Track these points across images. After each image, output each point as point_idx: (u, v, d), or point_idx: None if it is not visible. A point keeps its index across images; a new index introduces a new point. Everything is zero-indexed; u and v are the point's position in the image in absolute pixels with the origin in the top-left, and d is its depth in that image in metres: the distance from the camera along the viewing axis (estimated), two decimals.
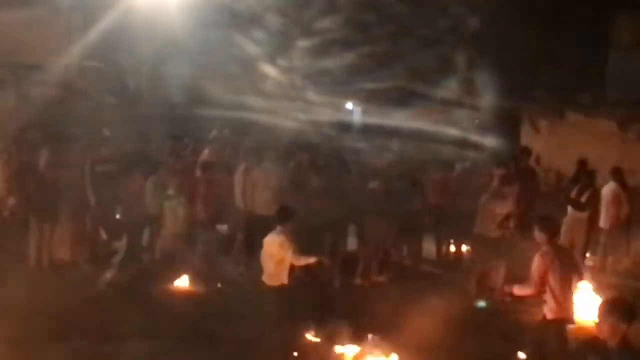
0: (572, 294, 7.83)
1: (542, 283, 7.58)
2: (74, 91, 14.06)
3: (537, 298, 7.79)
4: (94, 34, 13.26)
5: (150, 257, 11.89)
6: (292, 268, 8.44)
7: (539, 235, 7.81)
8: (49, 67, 13.43)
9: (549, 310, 7.63)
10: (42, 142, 12.01)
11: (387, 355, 8.28)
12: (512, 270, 10.91)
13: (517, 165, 12.77)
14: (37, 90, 13.81)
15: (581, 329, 9.26)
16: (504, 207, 10.76)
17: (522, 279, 10.78)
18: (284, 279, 8.36)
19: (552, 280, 7.58)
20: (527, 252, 11.16)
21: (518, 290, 8.01)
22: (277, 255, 8.31)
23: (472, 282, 11.06)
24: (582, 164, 13.86)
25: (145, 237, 12.08)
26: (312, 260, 8.55)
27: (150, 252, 11.96)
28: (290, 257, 8.27)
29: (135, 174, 11.79)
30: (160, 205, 11.52)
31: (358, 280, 11.69)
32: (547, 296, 7.61)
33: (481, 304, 10.49)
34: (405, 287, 11.02)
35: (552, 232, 7.85)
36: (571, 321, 7.88)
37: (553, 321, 7.67)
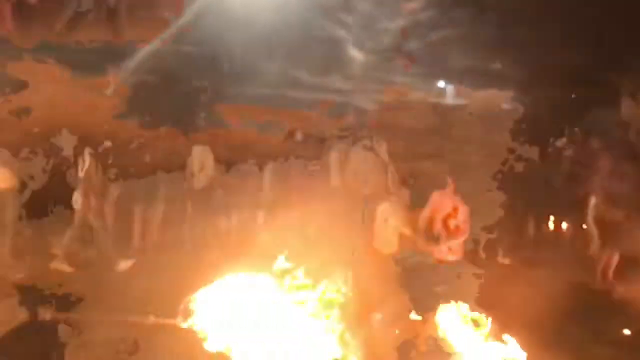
0: None
1: None
2: (168, 76, 14.22)
3: None
4: (185, 18, 13.35)
5: None
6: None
7: None
8: (142, 52, 13.59)
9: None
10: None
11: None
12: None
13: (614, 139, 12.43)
14: (132, 76, 13.99)
15: None
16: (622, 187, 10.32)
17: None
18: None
19: None
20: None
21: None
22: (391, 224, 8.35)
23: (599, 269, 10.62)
24: None
25: None
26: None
27: None
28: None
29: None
30: None
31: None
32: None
33: None
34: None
35: None
36: None
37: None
